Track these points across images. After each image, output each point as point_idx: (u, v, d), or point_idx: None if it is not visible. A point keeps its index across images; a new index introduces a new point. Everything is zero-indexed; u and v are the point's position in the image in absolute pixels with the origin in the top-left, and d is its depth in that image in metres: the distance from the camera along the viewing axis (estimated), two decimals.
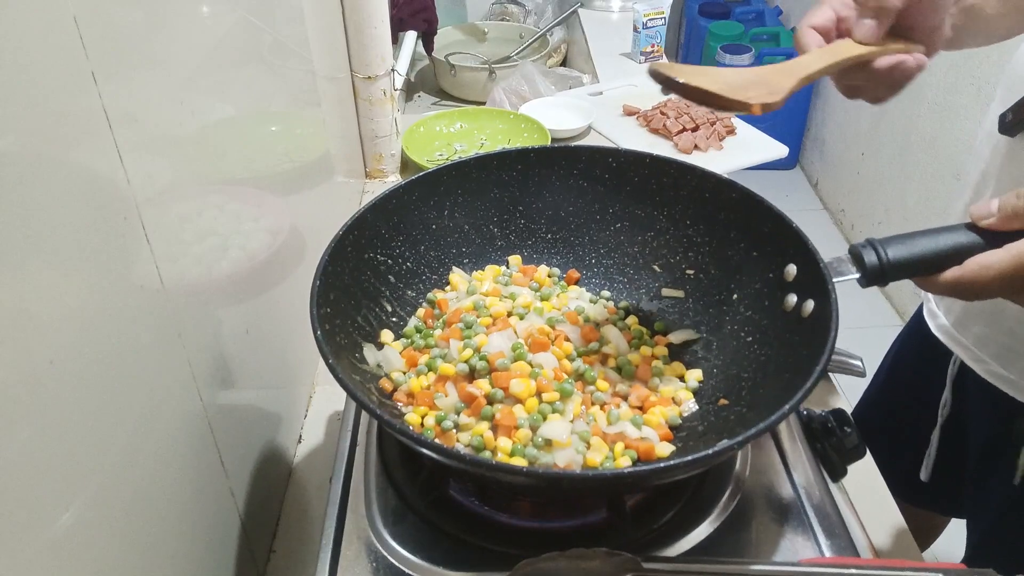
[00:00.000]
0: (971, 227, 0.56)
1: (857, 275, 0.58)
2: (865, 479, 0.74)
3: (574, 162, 0.79)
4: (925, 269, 0.56)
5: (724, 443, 0.50)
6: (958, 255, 0.55)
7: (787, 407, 0.52)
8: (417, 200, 0.72)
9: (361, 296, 0.69)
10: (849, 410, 0.71)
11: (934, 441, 0.94)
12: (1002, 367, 0.81)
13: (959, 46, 0.70)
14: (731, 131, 1.42)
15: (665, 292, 0.77)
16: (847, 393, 0.85)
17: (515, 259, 0.80)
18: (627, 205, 0.79)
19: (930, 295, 0.89)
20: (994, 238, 0.54)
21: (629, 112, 1.50)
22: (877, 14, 0.59)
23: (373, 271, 0.70)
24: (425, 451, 0.53)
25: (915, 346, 0.98)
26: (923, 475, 0.96)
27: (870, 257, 0.57)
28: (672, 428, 0.64)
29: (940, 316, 0.87)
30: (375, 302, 0.71)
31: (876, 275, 0.57)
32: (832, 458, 0.66)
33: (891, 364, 1.05)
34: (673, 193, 0.77)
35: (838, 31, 0.61)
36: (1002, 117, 0.74)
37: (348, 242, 0.64)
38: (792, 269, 0.64)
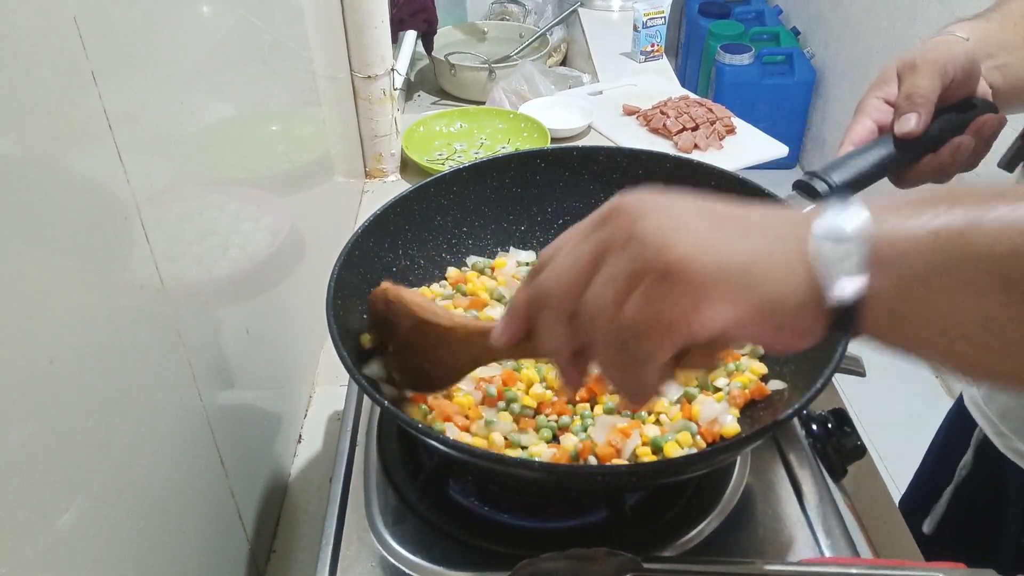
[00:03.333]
0: (879, 141, 0.62)
1: (813, 204, 0.60)
2: (865, 479, 0.74)
3: (505, 171, 0.80)
4: (867, 181, 0.62)
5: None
6: (892, 163, 0.61)
7: (795, 407, 0.52)
8: (374, 246, 0.71)
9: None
10: (849, 410, 0.71)
11: (945, 497, 0.91)
12: (1022, 441, 0.78)
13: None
14: (731, 131, 1.42)
15: None
16: (847, 393, 0.85)
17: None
18: (563, 200, 0.81)
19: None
20: (906, 145, 0.61)
21: (629, 112, 1.50)
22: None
23: (364, 328, 0.68)
24: (449, 451, 0.53)
25: (955, 421, 0.94)
26: (926, 528, 0.93)
27: (820, 186, 0.61)
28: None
29: (972, 387, 0.85)
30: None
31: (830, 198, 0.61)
32: (832, 458, 0.66)
33: (939, 446, 0.99)
34: (605, 177, 0.80)
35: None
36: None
37: (339, 306, 0.63)
38: None
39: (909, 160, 0.62)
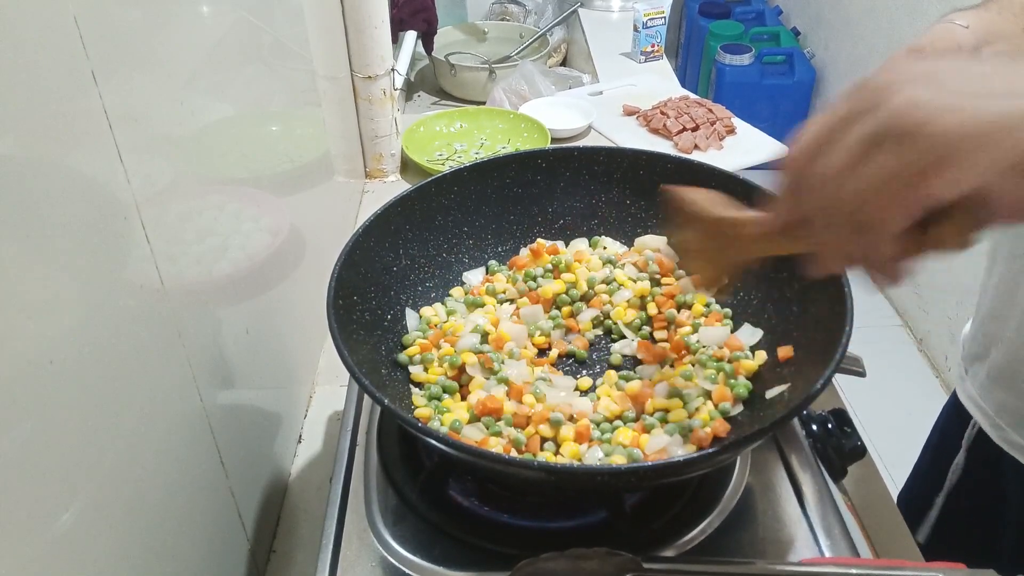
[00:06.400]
0: None
1: None
2: (865, 479, 0.74)
3: (505, 171, 0.80)
4: None
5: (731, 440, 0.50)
6: None
7: (796, 405, 0.52)
8: (375, 245, 0.71)
9: (368, 351, 0.68)
10: (849, 410, 0.71)
11: (937, 505, 0.90)
12: (1019, 435, 0.78)
13: None
14: (731, 131, 1.42)
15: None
16: (847, 393, 0.85)
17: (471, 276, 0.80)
18: (564, 200, 0.82)
19: (963, 356, 0.86)
20: None
21: (629, 112, 1.50)
22: None
23: (364, 327, 0.69)
24: (455, 452, 0.53)
25: (949, 417, 0.93)
26: (920, 537, 0.92)
27: None
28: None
29: (967, 381, 0.85)
30: (379, 353, 0.70)
31: None
32: (832, 458, 0.66)
33: (935, 444, 0.98)
34: (606, 178, 0.80)
35: None
36: None
37: (339, 305, 0.63)
38: None
39: None
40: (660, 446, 0.59)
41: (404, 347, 0.71)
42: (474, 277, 0.79)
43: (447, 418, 0.63)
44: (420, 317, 0.74)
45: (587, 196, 0.81)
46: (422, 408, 0.65)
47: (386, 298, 0.72)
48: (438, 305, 0.76)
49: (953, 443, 0.89)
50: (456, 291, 0.78)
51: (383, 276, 0.72)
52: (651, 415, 0.63)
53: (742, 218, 0.52)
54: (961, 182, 0.35)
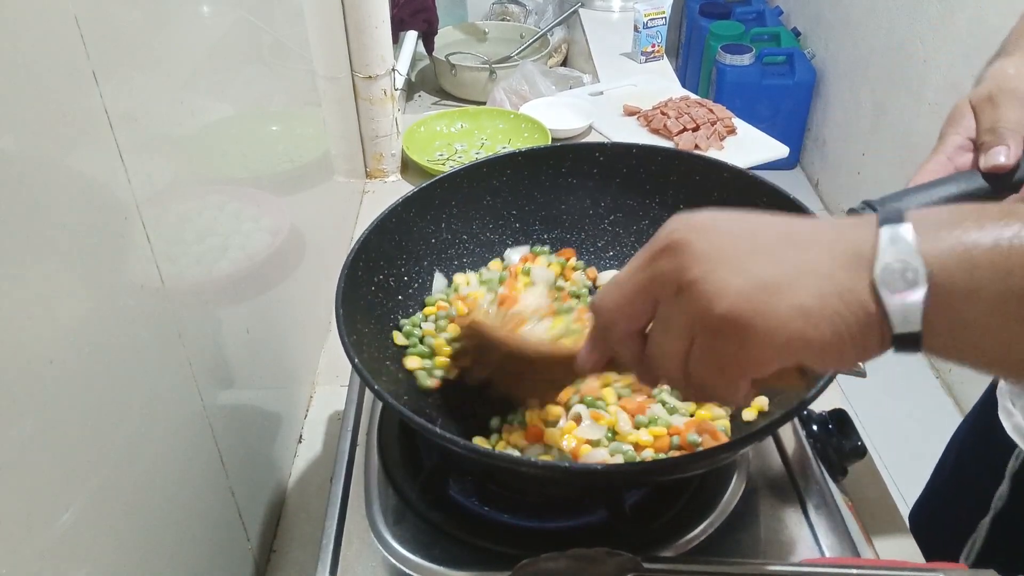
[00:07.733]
0: (963, 176, 0.56)
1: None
2: (865, 479, 0.74)
3: (561, 160, 0.79)
4: None
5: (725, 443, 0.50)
6: (978, 198, 0.55)
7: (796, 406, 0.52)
8: (415, 216, 0.73)
9: (379, 318, 0.70)
10: (849, 410, 0.71)
11: (982, 529, 0.87)
12: None
13: None
14: (731, 131, 1.42)
15: None
16: (847, 393, 0.85)
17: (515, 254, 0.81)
18: (618, 197, 0.81)
19: (1005, 390, 0.82)
20: (997, 179, 0.54)
21: (630, 112, 1.50)
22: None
23: (384, 292, 0.71)
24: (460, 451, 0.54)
25: (976, 442, 0.91)
26: (967, 562, 0.88)
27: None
28: None
29: (1016, 415, 0.80)
30: (389, 321, 0.72)
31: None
32: (832, 458, 0.66)
33: (953, 465, 0.96)
34: (662, 180, 0.79)
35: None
36: None
37: (359, 267, 0.65)
38: None
39: (997, 195, 0.56)
40: (598, 459, 0.60)
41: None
42: (516, 255, 0.80)
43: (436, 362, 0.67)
44: (451, 283, 0.76)
45: (641, 195, 0.80)
46: (413, 358, 0.68)
47: (417, 267, 0.74)
48: (471, 273, 0.77)
49: (986, 469, 0.86)
50: (495, 263, 0.78)
51: (419, 246, 0.74)
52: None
53: (559, 355, 0.56)
54: (778, 363, 0.39)
